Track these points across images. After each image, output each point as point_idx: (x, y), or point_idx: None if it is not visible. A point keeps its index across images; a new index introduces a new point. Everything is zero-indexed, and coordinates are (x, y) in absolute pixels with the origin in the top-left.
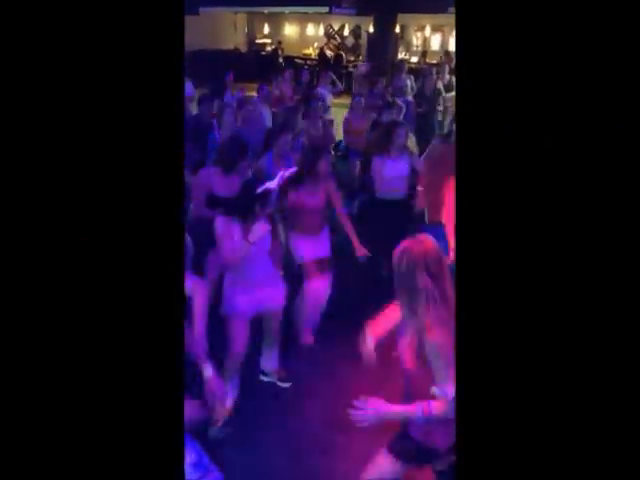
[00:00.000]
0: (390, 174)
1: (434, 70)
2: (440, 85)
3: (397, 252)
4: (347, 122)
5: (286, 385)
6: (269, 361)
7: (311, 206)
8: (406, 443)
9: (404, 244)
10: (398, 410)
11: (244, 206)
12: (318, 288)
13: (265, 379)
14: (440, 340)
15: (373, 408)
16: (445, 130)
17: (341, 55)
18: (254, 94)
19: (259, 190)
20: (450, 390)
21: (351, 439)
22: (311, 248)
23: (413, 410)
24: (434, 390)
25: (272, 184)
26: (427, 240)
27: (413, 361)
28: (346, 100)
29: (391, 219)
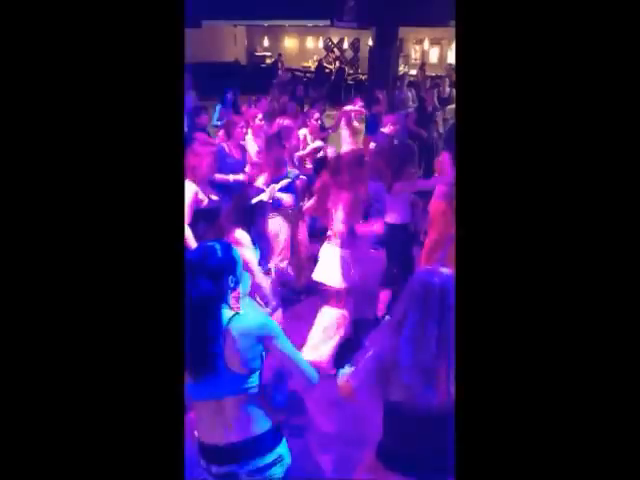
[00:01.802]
0: (400, 197)
1: (433, 83)
2: (435, 98)
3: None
4: None
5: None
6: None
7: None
8: None
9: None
10: None
11: (238, 218)
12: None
13: None
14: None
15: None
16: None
17: (343, 68)
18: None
19: (254, 200)
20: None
21: None
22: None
23: None
24: None
25: (264, 196)
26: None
27: None
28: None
29: (398, 243)
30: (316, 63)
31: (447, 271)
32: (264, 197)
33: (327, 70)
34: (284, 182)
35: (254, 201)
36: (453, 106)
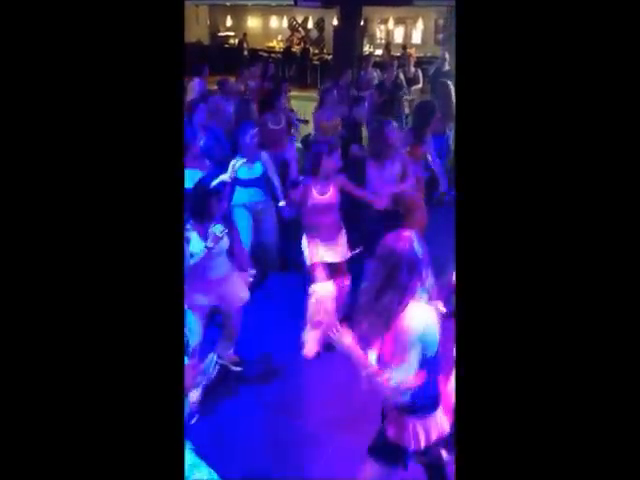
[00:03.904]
0: (386, 176)
1: (395, 62)
2: (402, 77)
3: (381, 246)
4: (317, 118)
5: (238, 369)
6: (225, 350)
7: (323, 205)
8: (381, 442)
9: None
10: (356, 350)
11: (199, 205)
12: (323, 291)
13: (219, 361)
14: (407, 327)
15: (343, 337)
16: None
17: (308, 49)
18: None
19: (213, 184)
20: (398, 372)
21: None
22: (324, 251)
23: (366, 360)
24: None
25: (225, 176)
26: (407, 237)
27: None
28: (312, 93)
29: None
30: (281, 43)
31: (409, 234)
32: (225, 177)
33: (293, 50)
34: (241, 161)
35: (214, 183)
36: (419, 86)
